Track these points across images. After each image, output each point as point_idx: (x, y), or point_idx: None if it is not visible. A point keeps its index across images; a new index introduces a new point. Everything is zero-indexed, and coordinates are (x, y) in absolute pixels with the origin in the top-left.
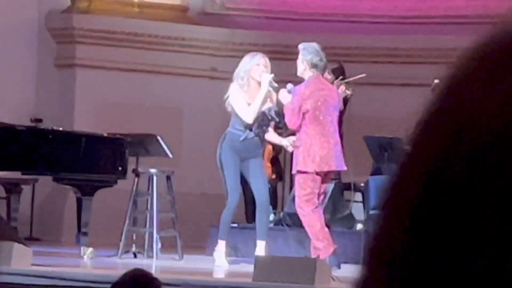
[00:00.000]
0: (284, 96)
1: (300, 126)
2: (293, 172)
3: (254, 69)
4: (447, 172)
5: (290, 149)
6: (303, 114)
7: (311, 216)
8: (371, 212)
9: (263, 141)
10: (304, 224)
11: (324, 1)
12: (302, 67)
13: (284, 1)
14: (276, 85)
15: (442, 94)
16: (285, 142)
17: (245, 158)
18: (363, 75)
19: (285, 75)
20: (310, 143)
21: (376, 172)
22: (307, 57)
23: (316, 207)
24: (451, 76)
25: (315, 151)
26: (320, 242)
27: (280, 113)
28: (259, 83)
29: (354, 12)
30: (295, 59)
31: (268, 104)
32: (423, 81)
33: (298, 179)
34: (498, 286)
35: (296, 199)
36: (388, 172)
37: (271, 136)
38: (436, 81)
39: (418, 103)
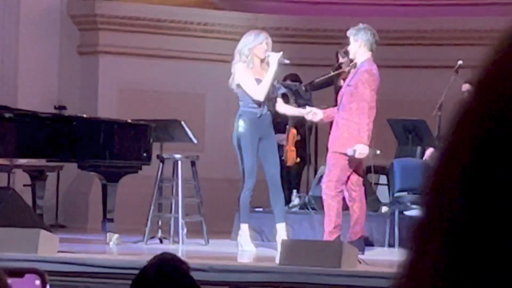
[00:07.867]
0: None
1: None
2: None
3: (258, 47)
4: (500, 136)
5: (309, 117)
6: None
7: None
8: (396, 194)
9: (273, 116)
10: (363, 206)
11: None
12: (356, 46)
13: None
14: (287, 61)
15: (494, 63)
16: (304, 111)
17: (262, 138)
18: None
19: (307, 59)
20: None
21: (400, 154)
22: (364, 37)
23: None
24: (499, 48)
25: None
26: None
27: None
28: (262, 61)
29: None
30: (318, 42)
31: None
32: (447, 63)
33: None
34: None
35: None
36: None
37: (285, 108)
38: (460, 62)
39: (442, 84)
